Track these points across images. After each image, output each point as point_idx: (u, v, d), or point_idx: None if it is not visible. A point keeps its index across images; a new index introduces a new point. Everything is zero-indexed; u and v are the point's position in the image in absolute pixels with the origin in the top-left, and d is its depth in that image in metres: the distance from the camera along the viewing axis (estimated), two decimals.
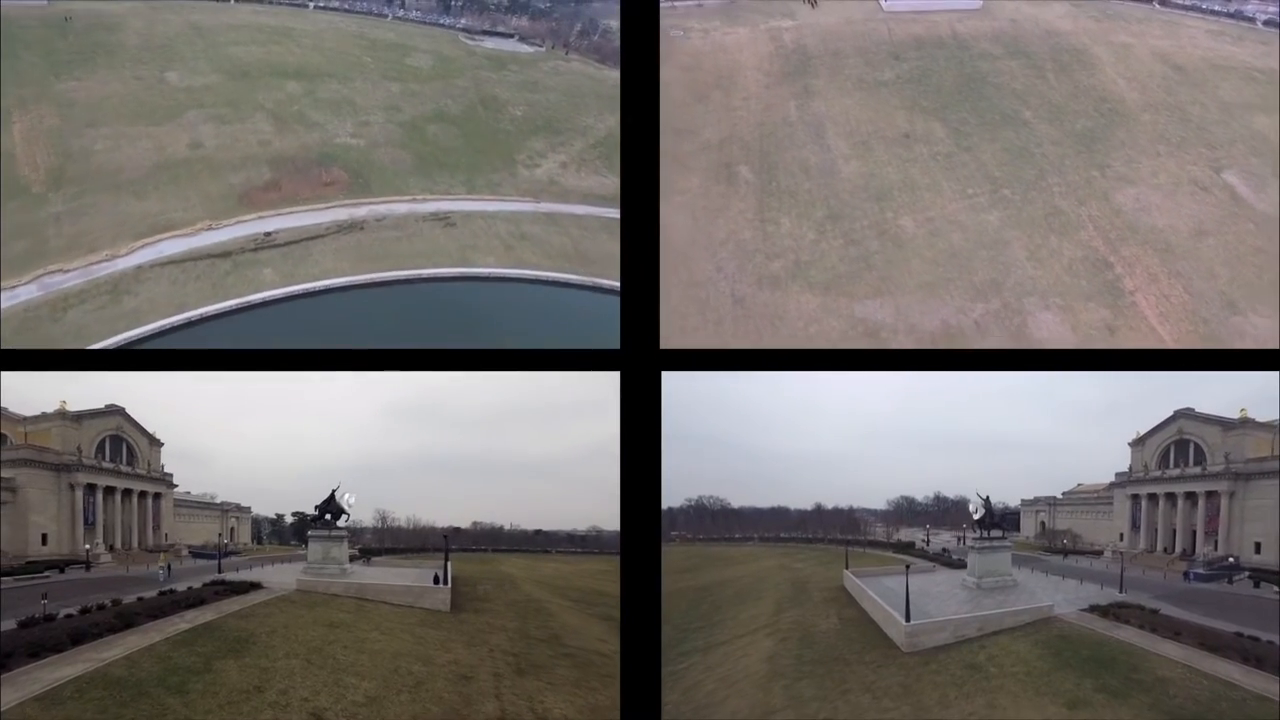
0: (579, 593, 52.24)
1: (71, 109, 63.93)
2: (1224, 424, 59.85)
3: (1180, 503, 62.23)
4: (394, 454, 63.64)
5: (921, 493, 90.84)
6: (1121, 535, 68.55)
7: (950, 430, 67.54)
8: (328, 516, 52.54)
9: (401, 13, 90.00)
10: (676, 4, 70.90)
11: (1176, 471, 63.07)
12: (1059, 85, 62.63)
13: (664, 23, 66.47)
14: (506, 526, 75.67)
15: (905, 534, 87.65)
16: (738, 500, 75.17)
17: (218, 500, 78.61)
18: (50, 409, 61.21)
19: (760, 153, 54.82)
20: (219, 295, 51.40)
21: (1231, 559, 55.88)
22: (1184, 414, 63.17)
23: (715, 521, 75.54)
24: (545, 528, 73.82)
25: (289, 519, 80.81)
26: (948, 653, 34.32)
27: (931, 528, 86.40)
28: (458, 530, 68.45)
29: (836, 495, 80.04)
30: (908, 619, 35.78)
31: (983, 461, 70.49)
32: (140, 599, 39.28)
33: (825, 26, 69.79)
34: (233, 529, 79.81)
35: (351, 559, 56.93)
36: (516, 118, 74.38)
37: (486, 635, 37.42)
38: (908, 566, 41.51)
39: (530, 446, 58.93)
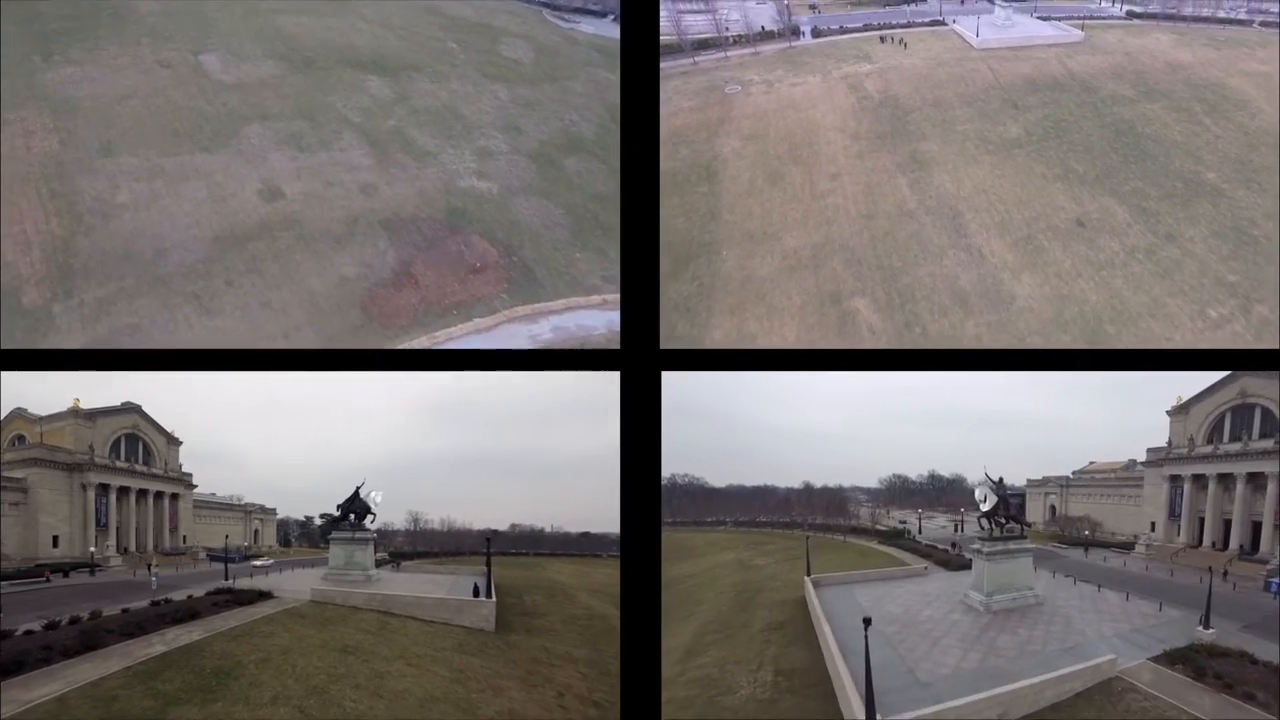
0: None
1: (73, 116, 37.87)
2: None
3: (1239, 486, 47.12)
4: (428, 453, 54.20)
5: (915, 471, 79.08)
6: (1153, 524, 53.78)
7: (946, 405, 56.00)
8: (352, 516, 44.56)
9: None
10: (730, 54, 56.48)
11: (1236, 446, 47.28)
12: (1223, 132, 44.13)
13: (718, 76, 54.88)
14: (548, 529, 65.45)
15: (896, 516, 75.76)
16: (724, 479, 63.26)
17: (242, 501, 69.31)
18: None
19: (878, 268, 33.75)
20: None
21: None
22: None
23: (690, 501, 63.78)
24: (592, 530, 63.58)
25: (317, 521, 71.58)
26: None
27: (925, 510, 74.96)
28: (496, 533, 58.57)
29: (827, 474, 67.59)
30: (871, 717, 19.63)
31: (981, 437, 58.22)
32: (125, 610, 30.40)
33: (912, 70, 51.87)
34: (256, 531, 70.55)
35: (379, 563, 48.11)
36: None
37: (549, 669, 26.42)
38: (866, 621, 20.94)
39: (574, 445, 49.29)
